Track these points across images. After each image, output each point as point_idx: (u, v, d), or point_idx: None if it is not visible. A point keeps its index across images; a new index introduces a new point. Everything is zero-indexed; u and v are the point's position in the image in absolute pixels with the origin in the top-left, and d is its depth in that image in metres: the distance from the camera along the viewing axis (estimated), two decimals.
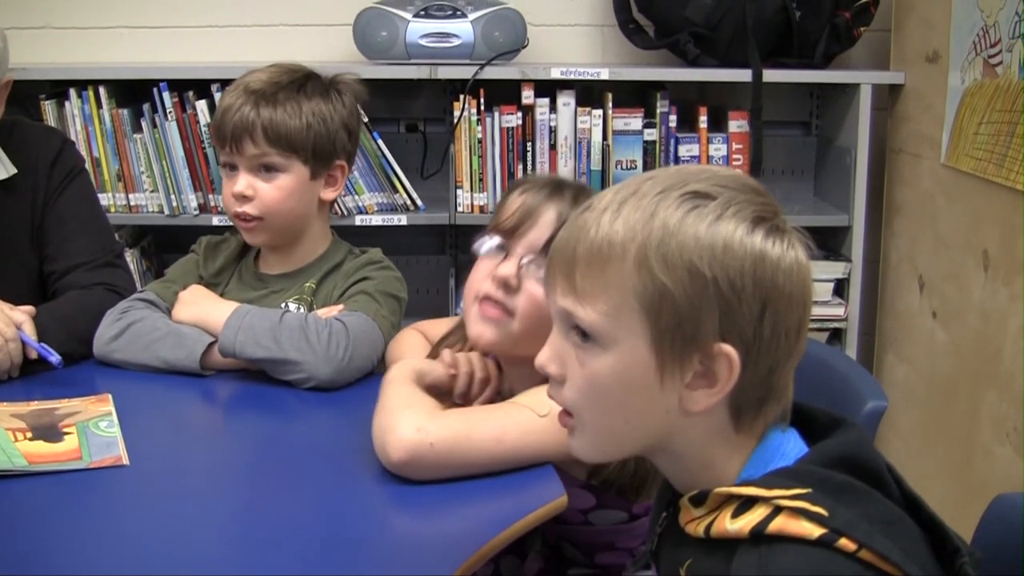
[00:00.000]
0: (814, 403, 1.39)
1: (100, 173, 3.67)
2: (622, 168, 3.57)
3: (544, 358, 1.35)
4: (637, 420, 1.32)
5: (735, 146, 3.61)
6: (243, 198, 2.36)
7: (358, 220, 3.62)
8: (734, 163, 3.59)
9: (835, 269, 3.64)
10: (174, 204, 3.63)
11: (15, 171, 2.52)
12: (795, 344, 1.30)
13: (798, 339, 1.30)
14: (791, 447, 1.34)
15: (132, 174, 3.65)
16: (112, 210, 3.68)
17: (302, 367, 2.17)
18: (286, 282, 2.43)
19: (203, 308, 2.31)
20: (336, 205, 3.57)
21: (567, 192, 1.94)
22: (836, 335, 3.70)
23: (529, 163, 3.58)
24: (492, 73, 3.54)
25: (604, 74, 3.52)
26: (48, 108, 3.66)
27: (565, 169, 3.57)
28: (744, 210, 1.27)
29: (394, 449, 1.75)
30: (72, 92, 3.64)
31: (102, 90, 3.63)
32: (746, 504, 1.26)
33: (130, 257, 3.66)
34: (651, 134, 3.59)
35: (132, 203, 3.69)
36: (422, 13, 3.58)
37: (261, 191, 2.35)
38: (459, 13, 3.57)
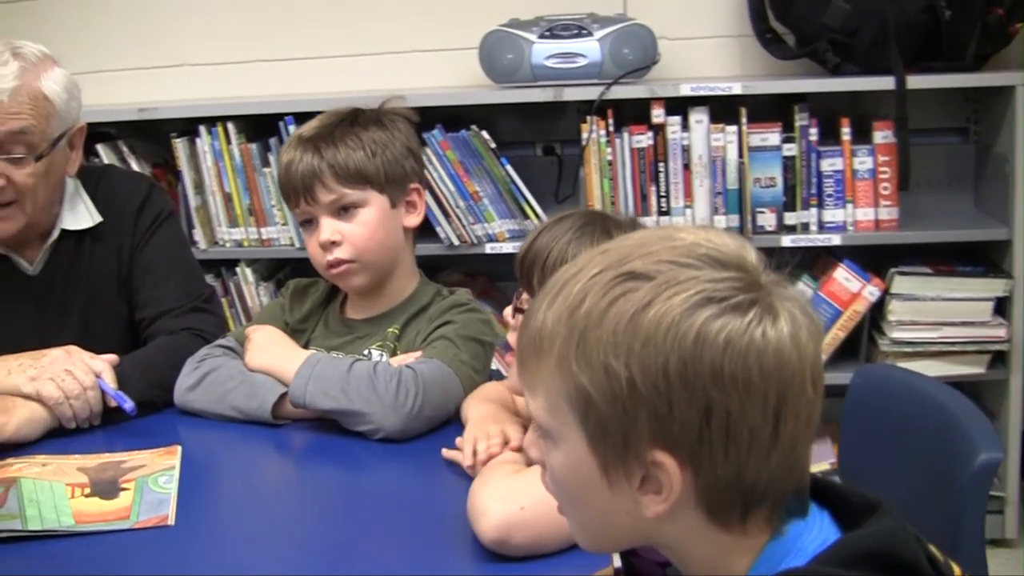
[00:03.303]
0: (848, 484, 1.22)
1: (232, 208, 3.68)
2: (760, 186, 3.40)
3: (526, 442, 1.25)
4: (604, 518, 1.17)
5: (881, 158, 3.40)
6: (331, 244, 2.28)
7: (488, 248, 3.53)
8: (881, 176, 3.39)
9: (995, 287, 3.40)
10: None
11: (100, 219, 2.52)
12: (770, 439, 1.10)
13: (775, 432, 1.10)
14: (811, 539, 1.15)
15: (263, 208, 3.64)
16: (245, 244, 3.70)
17: (369, 418, 2.08)
18: (370, 327, 2.35)
19: (275, 355, 2.25)
20: (465, 234, 3.49)
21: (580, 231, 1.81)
22: (999, 358, 3.45)
23: (662, 184, 3.44)
24: (619, 92, 3.42)
25: (736, 88, 3.35)
26: (180, 145, 3.68)
27: (700, 189, 3.42)
28: (685, 291, 1.09)
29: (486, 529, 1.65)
30: (202, 129, 3.65)
31: (231, 125, 3.64)
32: None
33: (264, 291, 3.66)
34: (790, 149, 3.40)
35: (264, 237, 3.69)
36: (547, 34, 3.47)
37: (347, 233, 2.28)
38: (585, 32, 3.46)
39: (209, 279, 3.78)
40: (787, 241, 3.39)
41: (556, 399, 1.13)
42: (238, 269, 3.78)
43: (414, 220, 2.36)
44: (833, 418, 2.06)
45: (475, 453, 1.87)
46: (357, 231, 2.27)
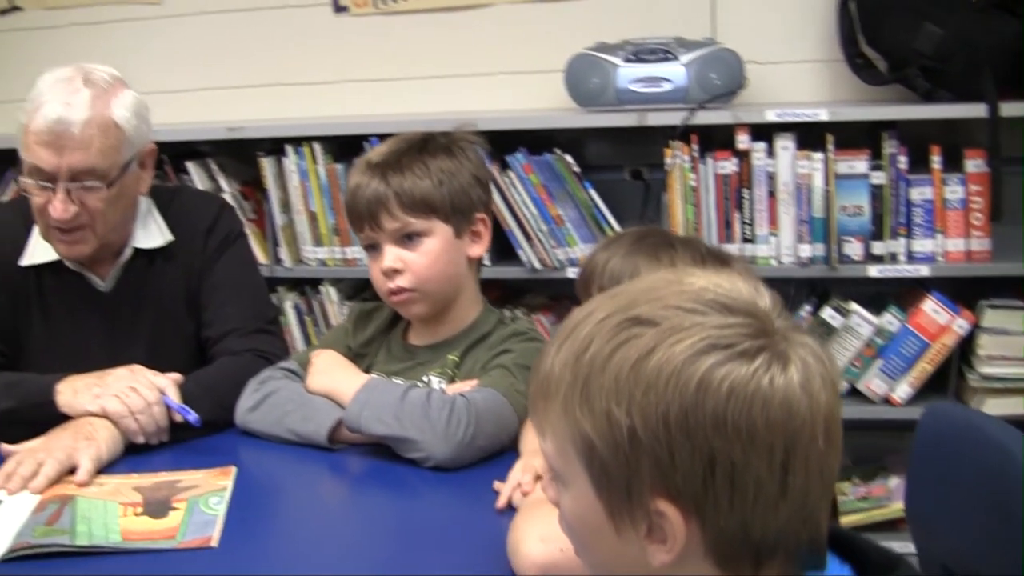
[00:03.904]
0: (868, 538, 1.19)
1: (317, 227, 3.71)
2: (847, 215, 3.34)
3: (543, 483, 1.23)
4: (614, 563, 1.15)
5: (973, 188, 3.31)
6: (393, 272, 2.27)
7: (570, 272, 3.51)
8: (972, 206, 3.30)
9: None
10: None
11: (172, 238, 2.55)
12: (778, 491, 1.07)
13: (783, 484, 1.07)
14: None
15: (347, 227, 3.65)
16: (329, 263, 3.73)
17: (420, 446, 2.08)
18: (431, 354, 2.34)
19: (335, 378, 2.26)
20: (547, 257, 3.48)
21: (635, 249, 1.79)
22: None
23: (746, 211, 3.38)
24: (703, 118, 3.37)
25: (823, 115, 3.29)
26: (267, 164, 3.71)
27: (786, 217, 3.36)
28: (689, 338, 1.07)
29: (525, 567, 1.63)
30: (289, 148, 3.68)
31: (317, 146, 3.67)
32: None
33: (347, 310, 3.67)
34: (879, 177, 3.33)
35: (348, 256, 3.72)
36: (633, 58, 3.44)
37: (409, 261, 2.26)
38: (671, 56, 3.42)
39: (293, 297, 3.83)
40: (874, 271, 3.32)
41: (563, 443, 1.12)
42: (322, 288, 3.81)
43: (478, 250, 2.34)
44: None
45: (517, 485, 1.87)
46: (420, 260, 2.26)
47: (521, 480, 1.89)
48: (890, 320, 3.35)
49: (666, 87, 3.42)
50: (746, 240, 3.40)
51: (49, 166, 2.32)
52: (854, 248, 3.34)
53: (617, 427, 1.06)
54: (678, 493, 1.06)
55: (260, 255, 3.79)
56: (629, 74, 3.44)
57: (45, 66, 2.47)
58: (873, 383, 3.36)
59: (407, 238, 2.27)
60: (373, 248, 2.31)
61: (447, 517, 1.98)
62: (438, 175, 2.26)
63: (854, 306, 3.36)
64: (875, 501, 3.42)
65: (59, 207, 2.34)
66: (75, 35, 4.22)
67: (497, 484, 1.95)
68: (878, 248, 3.35)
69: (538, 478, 1.83)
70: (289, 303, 3.85)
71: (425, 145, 2.31)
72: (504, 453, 2.12)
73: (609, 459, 1.08)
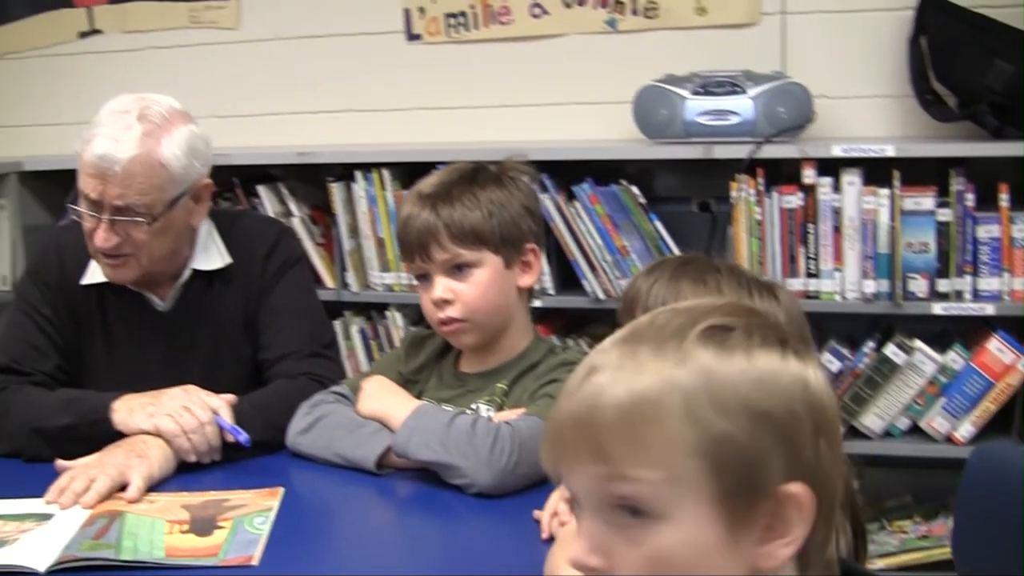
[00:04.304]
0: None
1: (384, 253, 3.75)
2: (912, 251, 3.31)
3: (581, 552, 1.15)
4: None
5: None
6: (443, 302, 2.29)
7: None
8: None
9: None
10: None
11: (230, 261, 2.59)
12: (843, 464, 1.20)
13: (841, 458, 1.19)
14: None
15: None
16: (396, 289, 3.76)
17: (464, 472, 2.09)
18: (481, 382, 2.35)
19: (385, 403, 2.28)
20: (611, 288, 3.49)
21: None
22: None
23: (811, 246, 3.37)
24: (769, 151, 3.37)
25: (889, 151, 3.27)
26: (336, 190, 3.75)
27: (851, 252, 3.34)
28: (767, 335, 1.16)
29: None
30: (358, 174, 3.72)
31: (386, 172, 3.70)
32: None
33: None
34: (945, 214, 3.30)
35: (415, 282, 3.69)
36: (700, 91, 3.45)
37: (460, 292, 2.28)
38: (739, 90, 3.42)
39: (359, 322, 3.86)
40: (938, 309, 3.29)
41: (681, 459, 1.10)
42: (388, 313, 3.84)
43: (528, 280, 2.35)
44: None
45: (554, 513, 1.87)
46: (469, 291, 2.28)
47: (558, 509, 1.89)
48: (954, 358, 3.32)
49: (733, 120, 3.42)
50: (810, 275, 3.39)
51: (96, 196, 2.39)
52: (919, 285, 3.31)
53: (759, 416, 1.10)
54: (802, 472, 1.12)
55: (327, 279, 3.84)
56: (697, 107, 3.45)
57: (123, 88, 2.52)
58: (936, 421, 3.33)
59: (457, 269, 2.28)
60: (424, 278, 2.33)
61: (489, 544, 1.99)
62: (488, 206, 2.27)
63: (918, 343, 3.33)
64: (936, 540, 3.38)
65: (101, 236, 2.41)
66: (153, 58, 4.31)
67: (537, 513, 1.96)
68: (943, 285, 3.31)
69: None
70: (355, 327, 3.88)
71: (475, 176, 2.32)
72: (548, 481, 2.11)
73: (750, 454, 1.10)
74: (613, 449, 1.10)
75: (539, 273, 2.39)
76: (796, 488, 1.10)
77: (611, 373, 1.13)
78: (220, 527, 1.99)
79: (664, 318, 1.18)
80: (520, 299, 2.37)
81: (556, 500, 1.91)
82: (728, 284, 1.74)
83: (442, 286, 2.28)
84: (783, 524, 1.11)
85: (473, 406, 2.30)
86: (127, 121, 2.39)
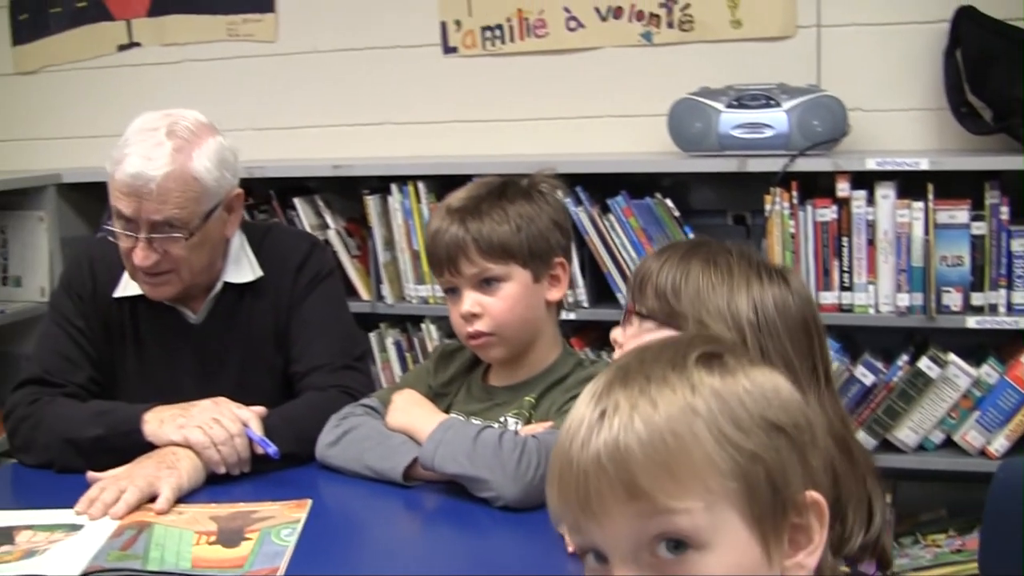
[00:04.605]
0: None
1: (419, 265, 3.75)
2: (947, 265, 3.29)
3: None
4: None
5: None
6: (472, 316, 2.30)
7: None
8: None
9: None
10: None
11: (261, 274, 2.61)
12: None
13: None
14: None
15: None
16: (431, 301, 3.78)
17: (491, 485, 2.10)
18: (510, 395, 2.36)
19: (413, 417, 2.29)
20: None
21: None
22: None
23: (845, 259, 3.36)
24: (803, 165, 3.36)
25: (923, 164, 3.26)
26: (371, 202, 3.77)
27: (885, 266, 3.33)
28: (744, 355, 1.19)
29: None
30: (394, 187, 3.74)
31: (421, 184, 3.72)
32: None
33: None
34: (980, 227, 3.28)
35: None
36: (735, 104, 3.45)
37: (488, 306, 2.29)
38: (773, 103, 3.42)
39: (394, 334, 3.88)
40: (972, 322, 3.27)
41: (716, 484, 1.10)
42: (423, 325, 3.85)
43: (556, 294, 2.36)
44: None
45: None
46: (498, 305, 2.29)
47: None
48: (988, 372, 3.30)
49: (767, 133, 3.41)
50: (844, 288, 3.38)
51: (131, 214, 2.41)
52: (953, 298, 3.30)
53: (775, 430, 1.13)
54: (813, 480, 1.15)
55: (363, 292, 3.86)
56: (731, 120, 3.45)
57: (161, 100, 2.55)
58: (970, 435, 3.31)
59: (486, 283, 2.29)
60: (452, 292, 2.34)
61: (515, 557, 2.01)
62: (516, 220, 2.28)
63: (952, 357, 3.31)
64: (970, 554, 3.36)
65: (140, 254, 2.43)
66: (190, 71, 4.36)
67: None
68: (978, 299, 3.30)
69: None
70: (390, 340, 3.90)
71: (504, 190, 2.33)
72: None
73: (776, 469, 1.12)
74: (649, 484, 1.09)
75: (567, 287, 2.40)
76: (814, 496, 1.13)
77: (626, 413, 1.12)
78: (247, 539, 2.01)
79: (651, 355, 1.18)
80: (548, 313, 2.38)
81: None
82: (739, 266, 1.74)
83: (470, 300, 2.29)
84: (806, 533, 1.14)
85: (501, 419, 2.31)
86: (157, 138, 2.41)
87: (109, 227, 2.47)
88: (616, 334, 1.90)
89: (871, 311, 3.37)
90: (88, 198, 4.06)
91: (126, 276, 2.57)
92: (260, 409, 2.40)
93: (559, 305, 2.41)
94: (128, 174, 2.38)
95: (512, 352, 2.34)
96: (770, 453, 1.11)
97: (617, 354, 1.88)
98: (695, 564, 1.09)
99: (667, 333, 1.71)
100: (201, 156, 2.45)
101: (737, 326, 1.69)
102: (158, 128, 2.43)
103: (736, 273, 1.72)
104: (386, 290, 3.82)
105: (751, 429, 1.11)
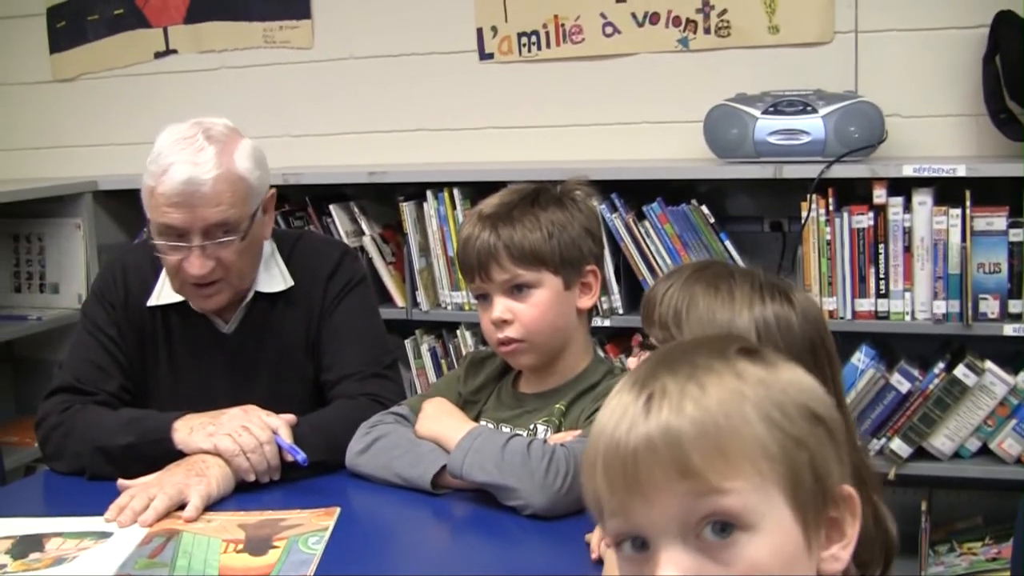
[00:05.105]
0: None
1: (455, 272, 3.75)
2: (984, 272, 3.26)
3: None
4: None
5: None
6: (503, 323, 2.29)
7: None
8: None
9: None
10: None
11: (292, 283, 2.61)
12: None
13: None
14: None
15: None
16: (466, 308, 3.78)
17: (519, 494, 2.09)
18: (540, 402, 2.35)
19: (443, 425, 2.28)
20: None
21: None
22: None
23: (881, 266, 3.34)
24: (839, 171, 3.34)
25: (961, 171, 3.23)
26: (407, 209, 3.77)
27: (921, 273, 3.30)
28: (779, 355, 1.22)
29: None
30: (429, 193, 3.74)
31: (456, 191, 3.71)
32: None
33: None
34: (1017, 235, 3.25)
35: None
36: (771, 110, 3.43)
37: (519, 312, 2.28)
38: (810, 109, 3.40)
39: (429, 340, 3.88)
40: (1009, 330, 3.24)
41: (766, 466, 1.11)
42: (458, 332, 3.85)
43: (587, 302, 2.34)
44: None
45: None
46: (529, 312, 2.28)
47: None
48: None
49: (804, 139, 3.40)
50: (880, 295, 3.36)
51: (183, 225, 2.40)
52: (990, 306, 3.27)
53: (816, 419, 1.15)
54: (843, 473, 1.16)
55: (398, 298, 3.86)
56: (767, 126, 3.43)
57: (198, 107, 2.55)
58: (1006, 443, 3.28)
59: (516, 289, 2.28)
60: (483, 298, 2.33)
61: (542, 565, 1.99)
62: (548, 227, 2.27)
63: (989, 364, 3.28)
64: (1005, 562, 3.33)
65: (196, 264, 2.42)
66: (227, 78, 4.38)
67: (588, 536, 1.95)
68: (1015, 306, 3.26)
69: None
70: (425, 346, 3.89)
71: (537, 197, 2.32)
72: None
73: (818, 457, 1.13)
74: (701, 464, 1.09)
75: (599, 295, 2.39)
76: (849, 490, 1.15)
77: (675, 396, 1.13)
78: (275, 547, 2.01)
79: (691, 347, 1.21)
80: (580, 320, 2.37)
81: None
82: (740, 290, 1.72)
83: (501, 306, 2.28)
84: (840, 527, 1.15)
85: (531, 427, 2.30)
86: (197, 144, 2.41)
87: (152, 242, 2.45)
88: (631, 364, 1.90)
89: (907, 318, 3.35)
90: (125, 205, 4.08)
91: (159, 285, 2.58)
92: (290, 417, 2.39)
93: (591, 312, 2.40)
94: (178, 182, 2.37)
95: (542, 359, 2.34)
96: (812, 441, 1.13)
97: None
98: (742, 546, 1.10)
99: None
100: (242, 156, 2.46)
101: None
102: (195, 135, 2.43)
103: (737, 297, 1.71)
104: (421, 297, 3.82)
105: (795, 417, 1.12)
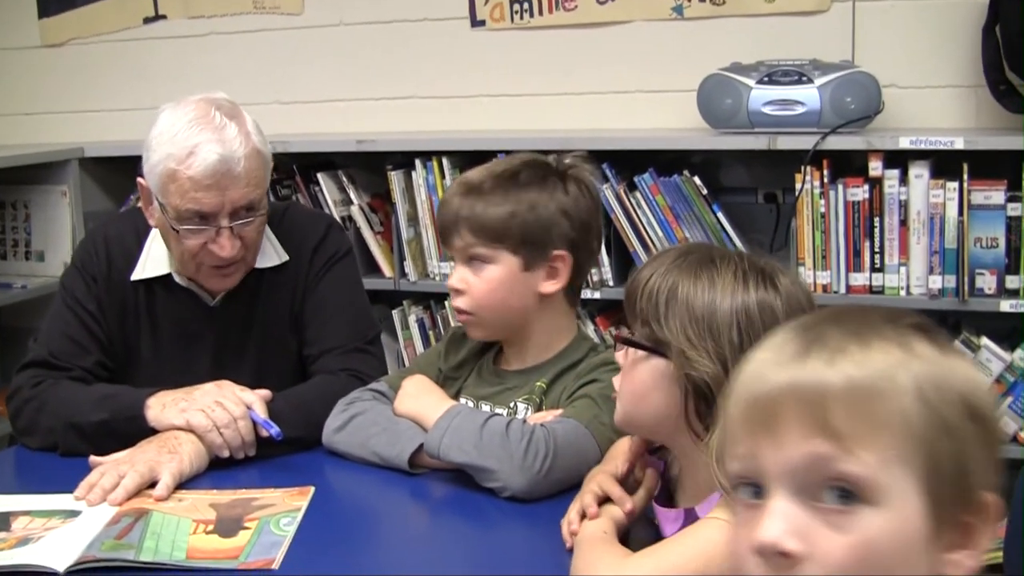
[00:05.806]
0: None
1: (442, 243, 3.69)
2: (981, 247, 3.21)
3: (777, 532, 1.06)
4: None
5: None
6: (456, 291, 2.26)
7: None
8: None
9: None
10: None
11: (287, 258, 2.57)
12: None
13: None
14: None
15: None
16: None
17: (497, 476, 2.05)
18: (521, 379, 2.31)
19: (422, 403, 2.24)
20: None
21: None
22: None
23: (876, 240, 3.29)
24: (835, 143, 3.29)
25: (959, 143, 3.17)
26: (395, 178, 3.73)
27: (917, 247, 3.26)
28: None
29: None
30: (417, 162, 3.69)
31: (445, 160, 3.67)
32: None
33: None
34: (1015, 209, 3.20)
35: None
36: (766, 80, 3.38)
37: (471, 284, 2.25)
38: (805, 79, 3.35)
39: (417, 311, 3.83)
40: (1006, 306, 3.19)
41: (906, 442, 1.06)
42: (446, 303, 3.80)
43: (550, 287, 2.26)
44: None
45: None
46: (479, 286, 2.24)
47: (571, 516, 1.85)
48: (1022, 356, 3.22)
49: (799, 110, 3.35)
50: (875, 269, 3.31)
51: (212, 208, 2.33)
52: (987, 281, 3.22)
53: (972, 415, 1.09)
54: (992, 483, 1.10)
55: (386, 268, 3.82)
56: (762, 96, 3.38)
57: (186, 74, 2.48)
58: (1002, 421, 3.23)
59: (473, 261, 2.25)
60: (454, 263, 2.32)
61: (520, 548, 1.96)
62: (515, 205, 2.21)
63: (985, 340, 3.24)
64: (1000, 542, 3.28)
65: (227, 245, 2.36)
66: (216, 44, 4.31)
67: (563, 522, 1.91)
68: (1012, 282, 3.22)
69: (603, 502, 1.83)
70: (413, 317, 3.86)
71: (518, 173, 2.26)
72: (581, 486, 2.07)
73: (965, 450, 1.08)
74: (842, 424, 1.06)
75: (566, 281, 2.29)
76: (994, 498, 1.08)
77: (836, 348, 1.09)
78: (246, 527, 1.97)
79: (867, 309, 1.17)
80: (546, 303, 2.30)
81: (576, 509, 1.87)
82: (723, 277, 1.68)
83: (458, 275, 2.27)
84: (971, 535, 1.08)
85: (511, 404, 2.26)
86: (218, 121, 2.34)
87: (173, 228, 2.38)
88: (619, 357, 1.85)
89: (902, 293, 3.31)
90: (111, 172, 4.04)
91: (143, 258, 2.53)
92: (265, 392, 2.34)
93: (578, 288, 2.35)
94: (211, 163, 2.29)
95: (494, 335, 2.32)
96: (963, 434, 1.07)
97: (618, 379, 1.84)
98: (860, 518, 1.05)
99: (653, 361, 1.71)
100: (254, 131, 2.41)
101: (719, 352, 1.65)
102: (210, 113, 2.35)
103: (718, 285, 1.68)
104: (409, 267, 3.78)
105: (952, 402, 1.07)
